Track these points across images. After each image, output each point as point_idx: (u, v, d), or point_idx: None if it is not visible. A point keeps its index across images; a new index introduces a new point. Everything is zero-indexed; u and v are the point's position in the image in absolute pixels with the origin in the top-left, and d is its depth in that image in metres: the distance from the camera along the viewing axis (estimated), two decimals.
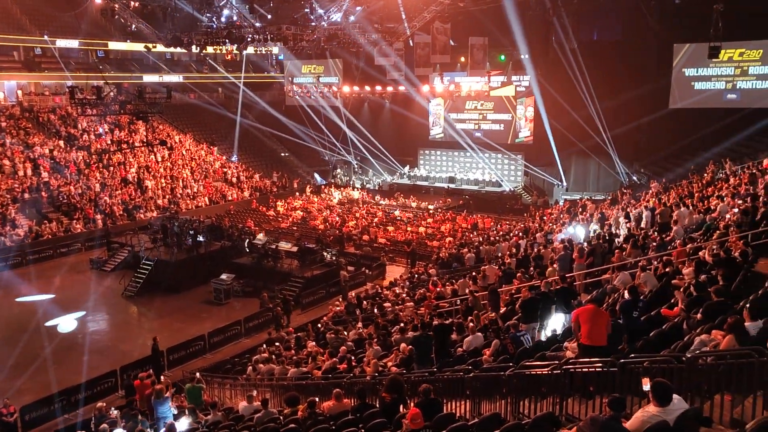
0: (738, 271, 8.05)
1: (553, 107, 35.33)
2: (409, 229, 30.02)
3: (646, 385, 4.91)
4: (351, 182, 44.67)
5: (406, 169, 43.84)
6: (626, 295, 8.64)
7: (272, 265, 24.41)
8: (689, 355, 5.55)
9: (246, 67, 46.62)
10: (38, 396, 14.41)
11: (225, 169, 38.68)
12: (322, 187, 41.04)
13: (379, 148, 44.33)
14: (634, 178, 33.93)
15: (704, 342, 6.22)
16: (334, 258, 24.85)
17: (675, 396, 4.84)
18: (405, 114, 43.51)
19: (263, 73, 48.31)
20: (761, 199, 12.73)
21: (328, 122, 44.49)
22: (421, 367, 9.27)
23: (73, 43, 39.56)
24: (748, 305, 6.54)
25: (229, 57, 46.32)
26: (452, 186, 39.94)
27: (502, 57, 38.88)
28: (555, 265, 14.06)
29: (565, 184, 37.37)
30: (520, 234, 21.98)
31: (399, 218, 32.43)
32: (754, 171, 17.42)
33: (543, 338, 9.43)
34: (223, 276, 23.18)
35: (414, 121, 43.48)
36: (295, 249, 24.55)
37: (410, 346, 10.25)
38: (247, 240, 26.54)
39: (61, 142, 34.31)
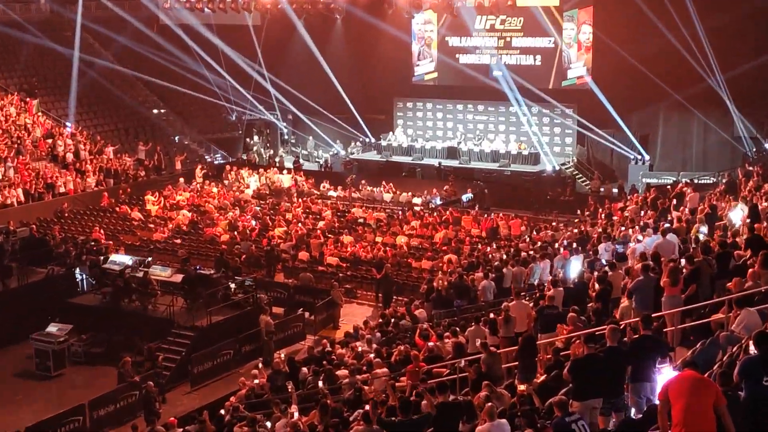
0: None
1: (628, 26, 35.67)
2: (379, 240, 29.92)
3: None
4: (277, 159, 44.43)
5: (368, 139, 43.97)
6: (752, 349, 8.68)
7: (139, 307, 24.18)
8: None
9: None
10: None
11: (54, 139, 38.08)
12: (227, 168, 40.79)
13: (325, 99, 44.16)
14: (767, 146, 34.48)
15: None
16: (248, 293, 24.67)
17: None
18: (371, 39, 43.43)
19: None
20: None
21: (235, 53, 44.16)
22: None
23: None
24: None
25: None
26: (453, 165, 40.07)
27: None
28: (631, 299, 14.10)
29: (647, 158, 37.88)
30: (572, 245, 22.10)
31: (362, 221, 32.28)
32: None
33: (611, 426, 9.47)
34: (52, 328, 22.90)
35: (386, 52, 43.48)
36: (178, 278, 24.31)
37: None
38: (94, 264, 26.11)
39: None
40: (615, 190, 35.15)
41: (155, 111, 45.55)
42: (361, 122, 43.78)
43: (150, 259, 27.32)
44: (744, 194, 21.47)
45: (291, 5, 38.61)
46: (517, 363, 13.57)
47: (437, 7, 40.53)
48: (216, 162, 42.98)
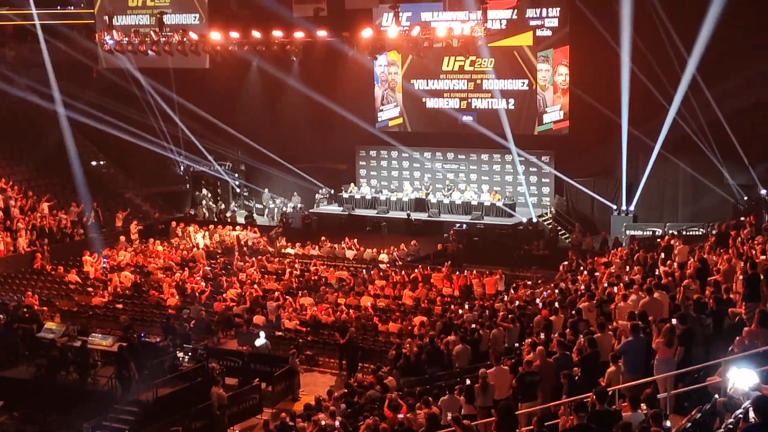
0: None
1: (606, 68, 36.26)
2: (342, 301, 29.81)
3: None
4: (228, 214, 44.32)
5: (327, 190, 44.07)
6: (752, 416, 8.71)
7: (77, 380, 23.93)
8: None
9: None
10: None
11: None
12: (173, 224, 40.58)
13: (281, 147, 44.27)
14: (763, 192, 35.03)
15: None
16: (197, 362, 24.46)
17: None
18: (330, 83, 43.74)
19: (56, 8, 47.85)
20: None
21: (184, 99, 44.30)
22: None
23: None
24: None
25: None
26: (422, 218, 40.23)
27: None
28: (619, 363, 14.14)
29: (629, 208, 38.25)
30: (554, 305, 22.17)
31: (324, 281, 32.24)
32: None
33: None
34: None
35: (347, 97, 43.77)
36: (117, 347, 24.02)
37: None
38: (27, 332, 25.76)
39: None
40: (605, 242, 35.28)
41: (93, 162, 45.28)
42: (318, 175, 44.03)
43: (88, 327, 27.02)
44: (737, 246, 21.66)
45: (243, 47, 38.77)
46: None
47: (402, 48, 40.84)
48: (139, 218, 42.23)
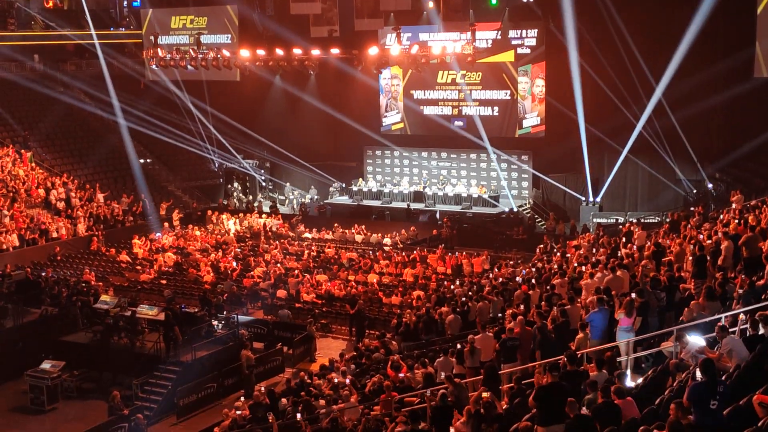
0: None
1: (577, 79, 36.26)
2: (352, 278, 29.88)
3: None
4: (255, 204, 44.42)
5: (339, 184, 44.09)
6: (699, 376, 8.74)
7: (127, 344, 23.99)
8: None
9: (79, 19, 46.12)
10: None
11: (47, 188, 37.80)
12: (208, 213, 40.63)
13: (300, 147, 44.30)
14: (709, 186, 35.11)
15: None
16: (229, 329, 24.54)
17: None
18: (341, 92, 43.73)
19: (108, 29, 47.88)
20: None
21: (218, 107, 44.28)
22: None
23: None
24: None
25: (50, 3, 45.68)
26: (419, 207, 40.29)
27: (494, 0, 39.82)
28: (587, 330, 14.17)
29: (594, 199, 38.31)
30: (531, 281, 22.20)
31: (336, 261, 32.28)
32: None
33: None
34: (46, 365, 22.70)
35: (357, 105, 43.77)
36: (162, 316, 24.05)
37: None
38: (85, 304, 25.84)
39: None
40: (573, 228, 35.36)
41: (142, 160, 45.35)
42: (331, 171, 44.13)
43: (137, 299, 27.08)
44: (687, 232, 21.66)
45: (268, 63, 38.73)
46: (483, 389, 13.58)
47: (403, 63, 40.70)
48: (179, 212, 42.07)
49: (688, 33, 32.10)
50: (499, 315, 20.39)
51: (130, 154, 42.99)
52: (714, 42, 34.52)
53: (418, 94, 43.28)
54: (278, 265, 31.56)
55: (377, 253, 33.04)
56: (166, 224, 38.33)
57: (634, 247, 22.35)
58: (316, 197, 44.43)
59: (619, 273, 17.12)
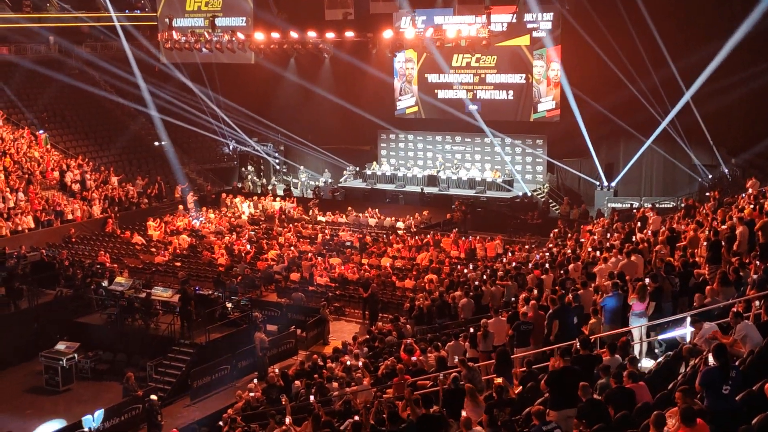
0: None
1: (592, 64, 36.03)
2: (365, 261, 29.93)
3: None
4: (270, 188, 44.46)
5: (353, 167, 44.06)
6: (711, 361, 8.72)
7: (142, 326, 24.23)
8: None
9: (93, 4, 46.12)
10: None
11: (62, 170, 37.95)
12: (222, 195, 40.73)
13: (315, 130, 44.28)
14: (725, 170, 34.82)
15: None
16: (243, 312, 24.66)
17: None
18: (356, 76, 43.64)
19: (125, 12, 47.89)
20: None
21: (230, 90, 44.19)
22: None
23: None
24: None
25: None
26: (433, 191, 40.22)
27: None
28: (600, 315, 14.15)
29: (609, 184, 38.16)
30: (545, 266, 22.17)
31: (349, 244, 32.32)
32: None
33: None
34: (61, 346, 22.97)
35: (371, 88, 43.67)
36: (177, 298, 24.36)
37: None
38: (100, 285, 25.99)
39: None
40: (586, 213, 35.25)
41: (156, 143, 45.44)
42: (345, 154, 44.11)
43: (151, 281, 27.26)
44: (701, 218, 21.56)
45: (283, 46, 38.72)
46: (495, 375, 13.60)
47: (417, 47, 40.68)
48: (185, 195, 41.91)
49: (739, 30, 31.35)
50: (513, 299, 20.40)
51: (161, 134, 43.48)
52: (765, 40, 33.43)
53: (432, 78, 43.08)
54: (292, 248, 31.68)
55: (391, 237, 33.11)
56: (181, 207, 38.46)
57: (649, 232, 22.29)
58: (330, 181, 44.45)
59: (633, 258, 17.09)
